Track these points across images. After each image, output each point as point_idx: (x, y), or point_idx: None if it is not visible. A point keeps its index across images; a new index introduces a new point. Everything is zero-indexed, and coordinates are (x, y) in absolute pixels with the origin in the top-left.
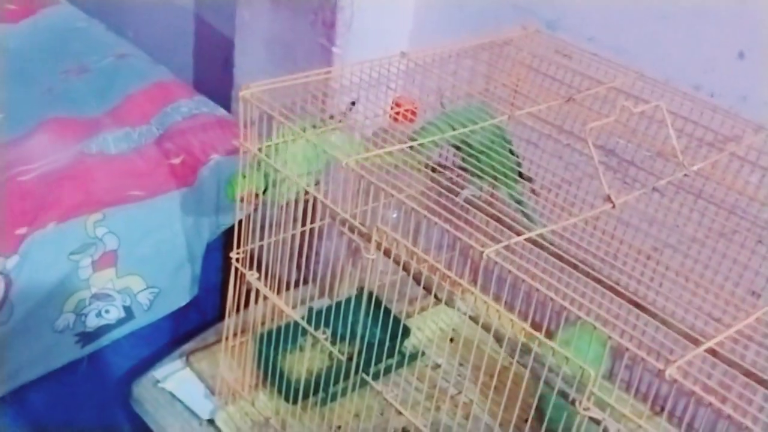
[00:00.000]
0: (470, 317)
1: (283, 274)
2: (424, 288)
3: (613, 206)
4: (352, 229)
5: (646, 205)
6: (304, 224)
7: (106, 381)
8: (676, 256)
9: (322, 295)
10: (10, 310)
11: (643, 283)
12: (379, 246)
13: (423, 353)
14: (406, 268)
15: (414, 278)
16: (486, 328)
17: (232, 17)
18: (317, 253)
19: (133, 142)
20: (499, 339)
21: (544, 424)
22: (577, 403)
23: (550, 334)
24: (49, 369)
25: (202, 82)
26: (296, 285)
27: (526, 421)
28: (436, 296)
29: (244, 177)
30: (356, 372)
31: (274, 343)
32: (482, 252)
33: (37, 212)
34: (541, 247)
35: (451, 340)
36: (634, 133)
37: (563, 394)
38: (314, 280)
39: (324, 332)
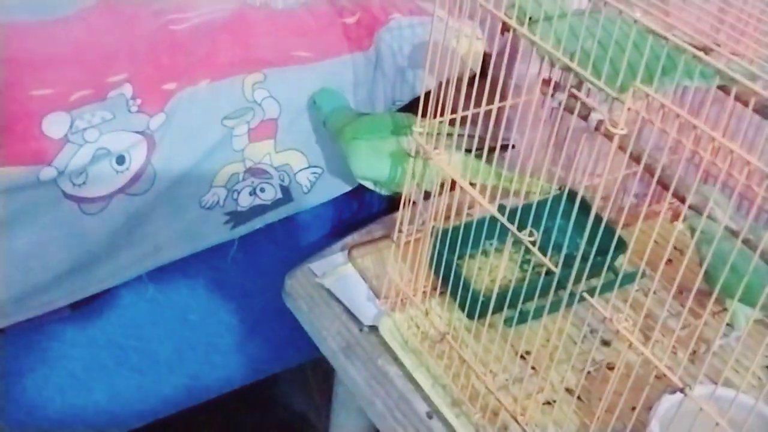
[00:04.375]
0: (731, 231)
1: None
2: (673, 195)
3: None
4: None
5: None
6: (503, 98)
7: (257, 269)
8: None
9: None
10: (152, 178)
11: None
12: (634, 118)
13: (644, 273)
14: (649, 167)
15: (660, 181)
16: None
17: None
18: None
19: None
20: None
21: None
22: None
23: None
24: (195, 250)
25: None
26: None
27: None
28: (685, 202)
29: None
30: (556, 289)
31: (455, 243)
32: None
33: (188, 67)
34: None
35: (670, 261)
36: None
37: None
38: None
39: (531, 233)
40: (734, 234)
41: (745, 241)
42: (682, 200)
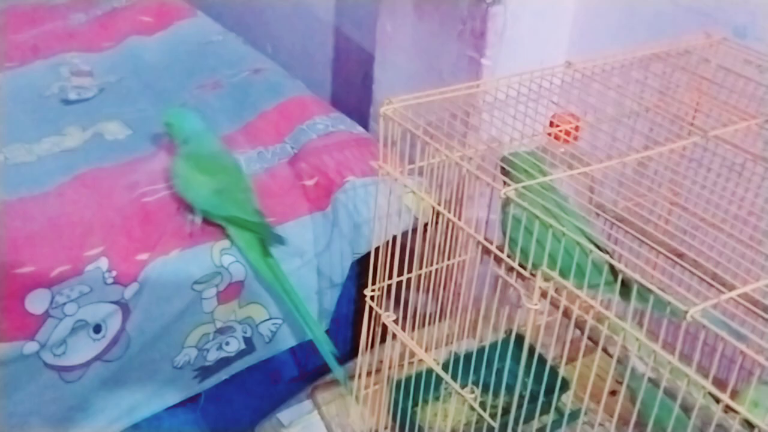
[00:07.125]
0: (650, 379)
1: (421, 308)
2: (590, 339)
3: None
4: (510, 270)
5: None
6: (447, 257)
7: (229, 420)
8: None
9: (463, 334)
10: (127, 344)
11: None
12: (544, 294)
13: (585, 412)
14: (567, 314)
15: (578, 326)
16: (670, 394)
17: (373, 30)
18: (458, 291)
19: (266, 162)
20: (686, 409)
21: None
22: None
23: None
24: (165, 406)
25: (340, 99)
26: (436, 320)
27: None
28: (606, 351)
29: None
30: (506, 430)
31: (411, 391)
32: (686, 312)
33: (160, 237)
34: (757, 304)
35: (612, 393)
36: None
37: None
38: (455, 317)
39: (472, 390)
40: (651, 382)
41: (665, 391)
42: (605, 350)
